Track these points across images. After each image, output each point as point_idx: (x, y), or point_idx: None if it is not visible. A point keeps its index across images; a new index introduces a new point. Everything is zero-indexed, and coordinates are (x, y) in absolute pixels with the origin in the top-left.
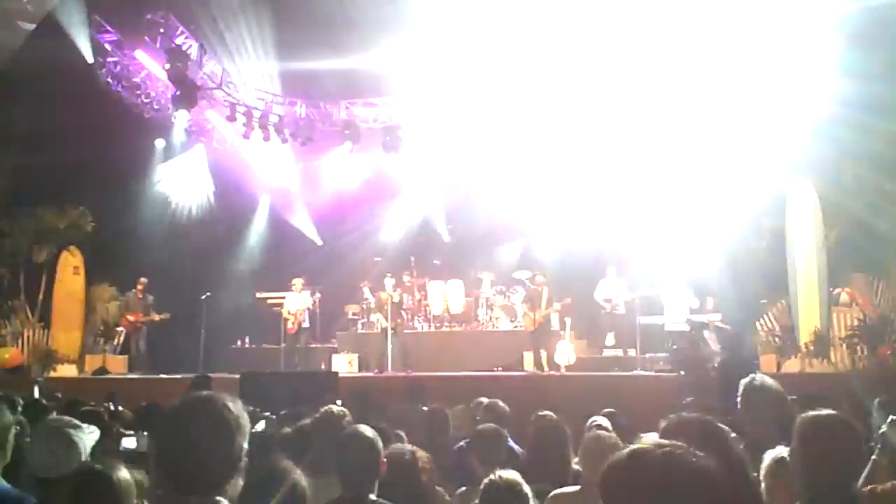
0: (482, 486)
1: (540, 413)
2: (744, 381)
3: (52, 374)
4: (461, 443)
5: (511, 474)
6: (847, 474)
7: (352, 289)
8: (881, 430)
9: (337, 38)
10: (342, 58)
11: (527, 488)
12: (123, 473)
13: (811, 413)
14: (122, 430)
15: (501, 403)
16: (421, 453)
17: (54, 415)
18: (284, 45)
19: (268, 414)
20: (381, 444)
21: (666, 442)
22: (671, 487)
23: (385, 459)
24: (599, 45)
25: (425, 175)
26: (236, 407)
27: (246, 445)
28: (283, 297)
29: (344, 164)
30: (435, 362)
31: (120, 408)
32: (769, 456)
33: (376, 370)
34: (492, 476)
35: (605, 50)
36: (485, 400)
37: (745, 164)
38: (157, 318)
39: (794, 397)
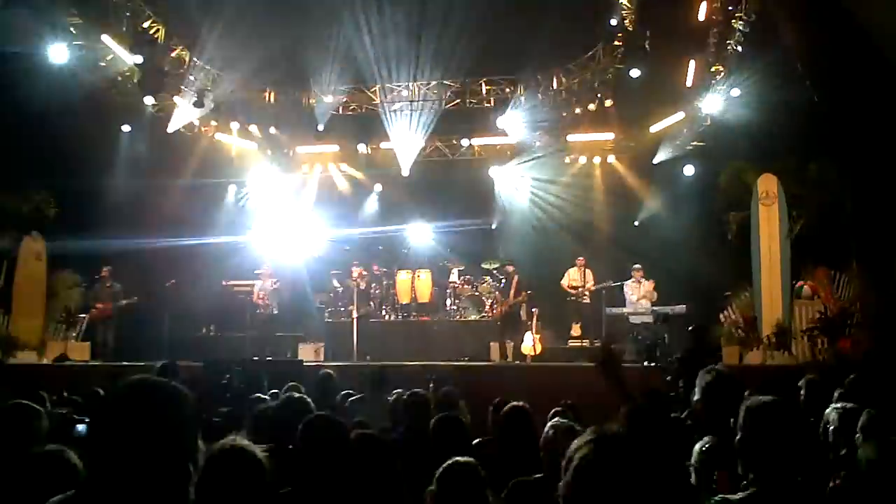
0: (438, 471)
1: (511, 402)
2: (702, 373)
3: (13, 360)
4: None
5: (467, 459)
6: (790, 461)
7: (319, 277)
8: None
9: (306, 25)
10: (314, 45)
11: (482, 472)
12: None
13: (755, 398)
14: (75, 415)
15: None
16: (387, 439)
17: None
18: (254, 31)
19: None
20: (346, 430)
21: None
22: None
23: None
24: None
25: (396, 163)
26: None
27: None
28: (252, 285)
29: (314, 153)
30: (402, 351)
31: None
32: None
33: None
34: (448, 461)
35: None
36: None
37: (712, 155)
38: (123, 302)
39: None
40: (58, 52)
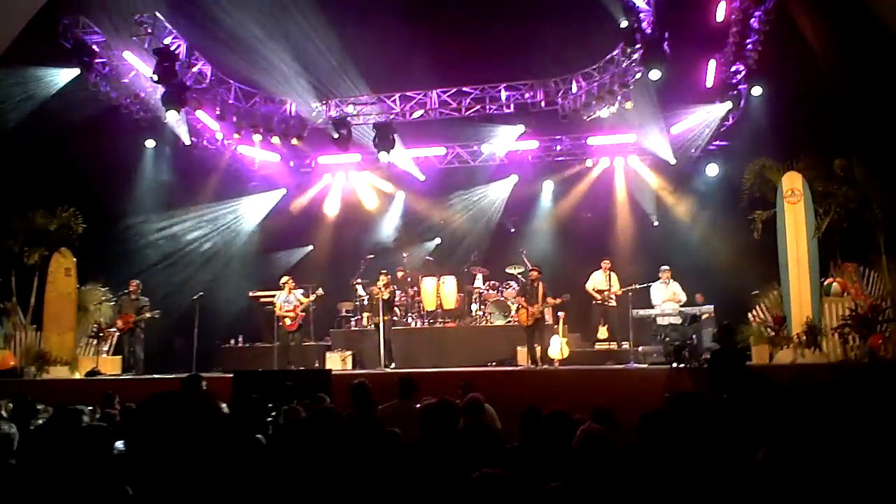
0: (466, 483)
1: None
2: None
3: (45, 375)
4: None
5: (495, 470)
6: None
7: (345, 286)
8: None
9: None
10: (333, 55)
11: (510, 484)
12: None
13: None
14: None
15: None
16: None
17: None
18: (274, 43)
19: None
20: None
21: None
22: None
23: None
24: None
25: (415, 171)
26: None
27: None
28: (275, 296)
29: (335, 163)
30: (428, 358)
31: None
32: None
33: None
34: (476, 473)
35: None
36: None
37: (736, 154)
38: (146, 315)
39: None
40: (75, 73)
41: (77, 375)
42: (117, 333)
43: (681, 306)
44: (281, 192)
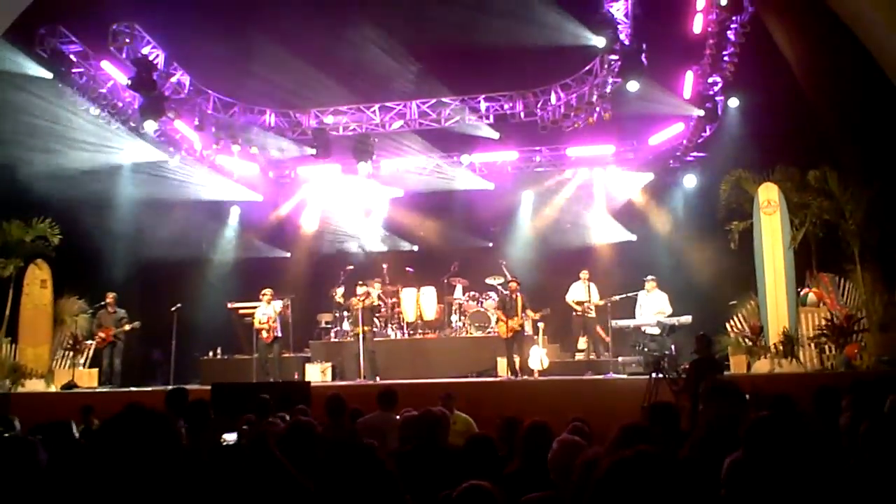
0: (455, 495)
1: (527, 419)
2: (704, 383)
3: (21, 389)
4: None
5: (483, 483)
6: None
7: (324, 297)
8: None
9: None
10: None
11: (498, 498)
12: None
13: (758, 416)
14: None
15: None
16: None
17: None
18: (254, 53)
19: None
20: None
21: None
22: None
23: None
24: None
25: (395, 182)
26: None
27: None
28: (255, 307)
29: (314, 173)
30: (408, 369)
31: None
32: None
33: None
34: (464, 485)
35: None
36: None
37: (713, 166)
38: (126, 327)
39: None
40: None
41: (53, 388)
42: (94, 345)
43: (668, 316)
44: (257, 199)
